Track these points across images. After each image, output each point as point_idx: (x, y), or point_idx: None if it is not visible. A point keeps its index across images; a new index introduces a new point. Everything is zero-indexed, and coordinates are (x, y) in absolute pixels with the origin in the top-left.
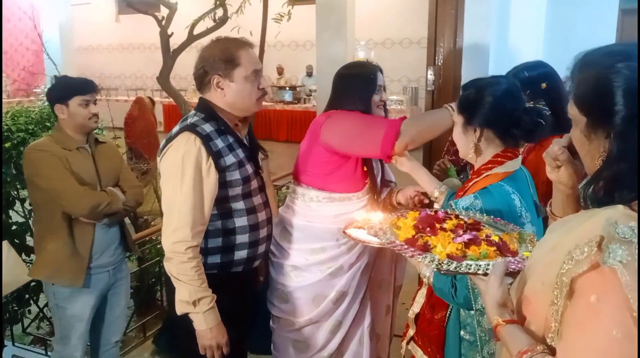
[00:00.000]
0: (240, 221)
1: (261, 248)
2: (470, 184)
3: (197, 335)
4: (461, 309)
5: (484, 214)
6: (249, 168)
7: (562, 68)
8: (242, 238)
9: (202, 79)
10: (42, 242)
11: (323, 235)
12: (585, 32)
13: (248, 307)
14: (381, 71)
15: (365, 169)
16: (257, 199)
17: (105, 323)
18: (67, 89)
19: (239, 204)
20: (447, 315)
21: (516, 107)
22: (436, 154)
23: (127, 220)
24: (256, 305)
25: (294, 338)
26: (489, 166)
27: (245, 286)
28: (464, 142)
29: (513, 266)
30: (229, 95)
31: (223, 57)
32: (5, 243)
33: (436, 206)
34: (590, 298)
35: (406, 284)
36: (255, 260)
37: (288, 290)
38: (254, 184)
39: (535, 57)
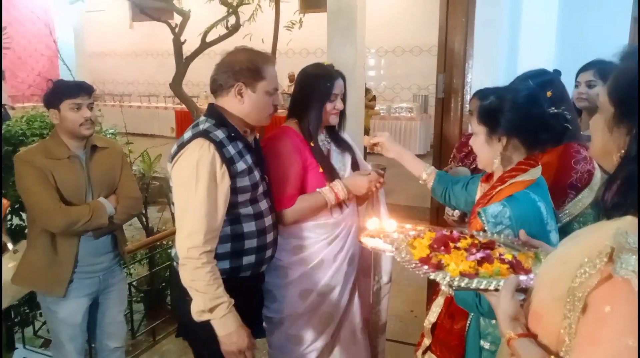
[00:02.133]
0: (249, 227)
1: (268, 253)
2: (494, 192)
3: (220, 341)
4: (481, 318)
5: (501, 235)
6: (257, 174)
7: (573, 75)
8: (250, 243)
9: (222, 84)
10: (27, 249)
11: (302, 233)
12: (596, 39)
13: (254, 310)
14: (343, 78)
15: (322, 171)
16: (264, 204)
17: (100, 329)
18: (57, 92)
19: (248, 210)
20: (467, 324)
21: (543, 112)
22: (445, 159)
23: (133, 225)
24: (261, 307)
25: (287, 333)
26: (513, 173)
27: (252, 289)
28: (488, 152)
29: (525, 283)
30: (247, 104)
31: (251, 67)
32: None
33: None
34: (604, 309)
35: (416, 292)
36: (262, 264)
37: (276, 289)
38: (261, 189)
39: (546, 65)
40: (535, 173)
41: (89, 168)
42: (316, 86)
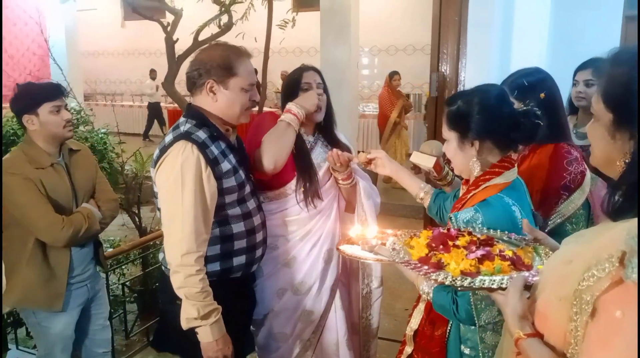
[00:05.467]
0: (237, 227)
1: (258, 252)
2: (469, 196)
3: (202, 348)
4: (460, 324)
5: (497, 231)
6: (242, 173)
7: (566, 74)
8: (239, 244)
9: (195, 81)
10: (14, 266)
11: (273, 231)
12: (589, 38)
13: (246, 311)
14: (316, 71)
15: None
16: (251, 204)
17: (89, 337)
18: (34, 96)
19: (236, 211)
20: (448, 330)
21: (512, 111)
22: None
23: (126, 225)
24: (253, 308)
25: (270, 331)
26: (487, 177)
27: (244, 290)
28: (462, 158)
29: (530, 280)
30: (220, 101)
31: (222, 64)
32: None
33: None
34: (614, 314)
35: (410, 290)
36: (252, 264)
37: (255, 288)
38: (248, 189)
39: (539, 63)
40: (511, 175)
41: (71, 173)
42: (287, 83)
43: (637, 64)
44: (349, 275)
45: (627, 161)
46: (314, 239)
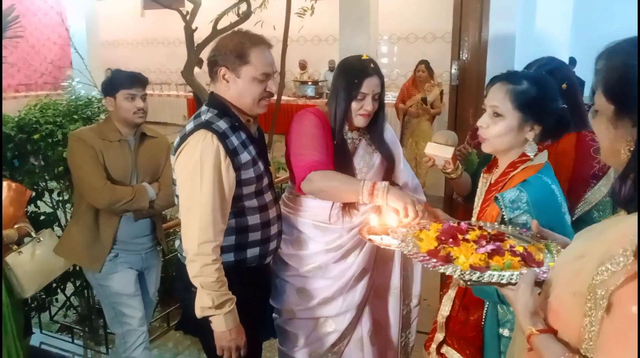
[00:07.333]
0: (253, 219)
1: (272, 245)
2: (508, 178)
3: (215, 337)
4: (499, 307)
5: (509, 226)
6: (261, 165)
7: (590, 61)
8: (254, 236)
9: (211, 68)
10: (71, 223)
11: (302, 227)
12: (613, 23)
13: (262, 300)
14: (379, 76)
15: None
16: (268, 196)
17: None
18: (114, 82)
19: (252, 202)
20: (484, 314)
21: (562, 104)
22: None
23: None
24: (268, 297)
25: (285, 329)
26: (523, 158)
27: (258, 281)
28: (511, 138)
29: (540, 276)
30: (233, 89)
31: (235, 51)
32: (48, 231)
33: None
34: (630, 309)
35: (429, 280)
36: (266, 256)
37: (277, 279)
38: (265, 181)
39: (562, 51)
40: (544, 157)
41: (137, 153)
42: (344, 80)
43: (638, 58)
44: (386, 292)
45: (631, 149)
46: (339, 254)
